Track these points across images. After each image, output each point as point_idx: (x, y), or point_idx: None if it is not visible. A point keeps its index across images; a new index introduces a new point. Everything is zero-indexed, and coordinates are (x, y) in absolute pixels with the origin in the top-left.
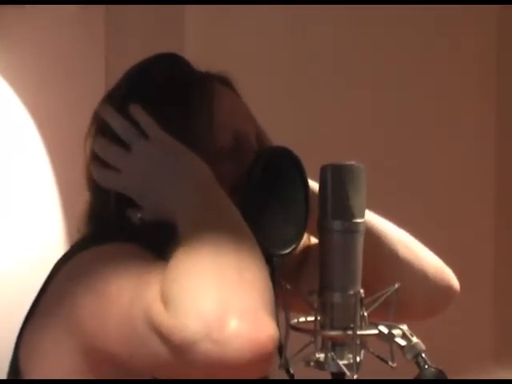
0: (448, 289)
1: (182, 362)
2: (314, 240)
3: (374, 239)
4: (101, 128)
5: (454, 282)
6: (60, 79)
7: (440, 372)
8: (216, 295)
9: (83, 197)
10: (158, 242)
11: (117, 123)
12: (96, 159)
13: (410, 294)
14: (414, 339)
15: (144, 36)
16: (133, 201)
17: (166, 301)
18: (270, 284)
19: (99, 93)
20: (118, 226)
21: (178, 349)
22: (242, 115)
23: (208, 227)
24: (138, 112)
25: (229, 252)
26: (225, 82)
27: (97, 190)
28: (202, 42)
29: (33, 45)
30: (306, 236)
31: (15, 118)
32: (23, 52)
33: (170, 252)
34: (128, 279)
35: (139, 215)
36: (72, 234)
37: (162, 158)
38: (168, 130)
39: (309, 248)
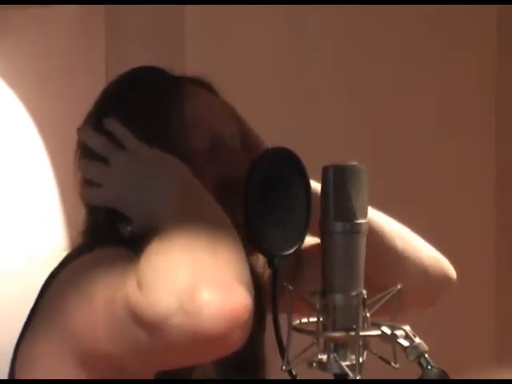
0: (445, 277)
1: (159, 342)
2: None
3: (372, 231)
4: (82, 149)
5: (451, 270)
6: (60, 80)
7: (443, 373)
8: (188, 271)
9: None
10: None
11: (93, 141)
12: (83, 180)
13: (409, 283)
14: (417, 340)
15: (144, 36)
16: (122, 214)
17: (140, 283)
18: (245, 264)
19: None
20: (109, 237)
21: (154, 326)
22: (219, 115)
23: (185, 218)
24: (112, 124)
25: (201, 237)
26: (200, 83)
27: (88, 208)
28: (202, 41)
29: (33, 45)
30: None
31: (15, 119)
32: (23, 53)
33: None
34: (112, 279)
35: (129, 228)
36: (72, 235)
37: (141, 167)
38: (143, 137)
39: (304, 250)
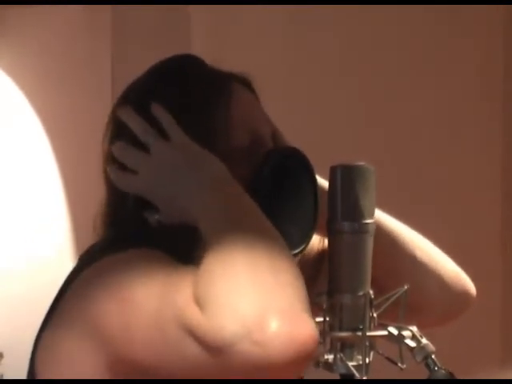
0: (465, 293)
1: (219, 364)
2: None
3: (387, 239)
4: (118, 129)
5: (471, 286)
6: (66, 78)
7: (450, 374)
8: (253, 296)
9: (89, 196)
10: (178, 247)
11: (135, 124)
12: (113, 160)
13: (426, 297)
14: (424, 341)
15: (150, 35)
16: (150, 203)
17: (201, 304)
18: (303, 282)
19: (105, 92)
20: (136, 230)
21: (217, 350)
22: (259, 116)
23: (235, 228)
24: (159, 111)
25: (260, 252)
26: (245, 82)
27: (114, 191)
28: (208, 41)
29: (39, 45)
30: (319, 239)
31: (21, 118)
32: (30, 52)
33: (192, 256)
34: (153, 285)
35: (157, 217)
36: (78, 233)
37: (182, 162)
38: (187, 130)
39: (324, 251)
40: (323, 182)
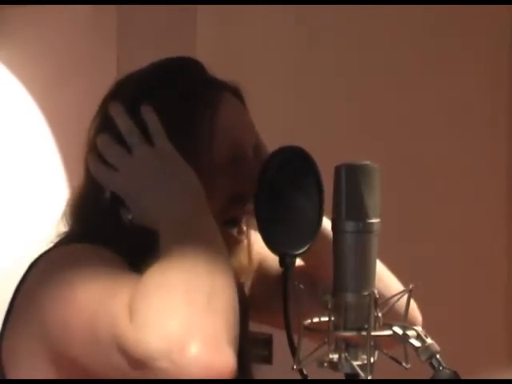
0: (411, 321)
1: (140, 375)
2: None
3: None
4: (105, 122)
5: (418, 316)
6: (72, 78)
7: (455, 373)
8: (182, 318)
9: None
10: (136, 251)
11: (122, 122)
12: (95, 151)
13: None
14: (429, 340)
15: (155, 36)
16: (124, 201)
17: (132, 314)
18: (236, 310)
19: None
20: (104, 225)
21: (137, 363)
22: (244, 127)
23: (187, 246)
24: (149, 114)
25: (202, 275)
26: (234, 91)
27: (92, 181)
28: (214, 41)
29: (45, 44)
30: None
31: (27, 116)
32: (36, 51)
33: (145, 262)
34: (95, 285)
35: (130, 217)
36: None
37: (159, 170)
38: (171, 135)
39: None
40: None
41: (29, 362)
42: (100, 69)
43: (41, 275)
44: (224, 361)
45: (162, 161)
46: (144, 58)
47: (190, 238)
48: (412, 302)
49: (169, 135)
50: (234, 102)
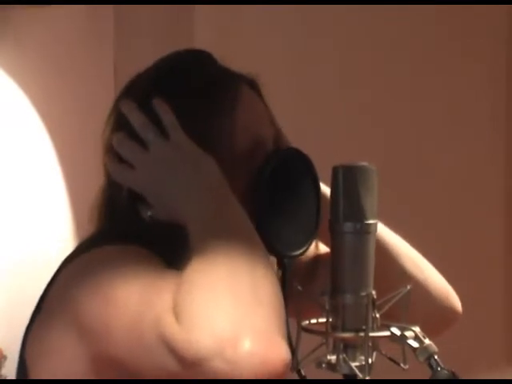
0: (450, 310)
1: (190, 376)
2: (322, 248)
3: (378, 247)
4: (119, 121)
5: (458, 304)
6: (69, 79)
7: (453, 374)
8: (230, 313)
9: (92, 193)
10: (167, 247)
11: (136, 119)
12: (111, 151)
13: (410, 309)
14: (427, 341)
15: (152, 36)
16: (145, 198)
17: (178, 313)
18: (282, 300)
19: (108, 92)
20: (129, 225)
21: (188, 363)
22: (263, 119)
23: (221, 239)
24: (162, 108)
25: (243, 266)
26: (252, 84)
27: (112, 183)
28: (211, 42)
29: (42, 45)
30: (315, 243)
31: (24, 118)
32: (32, 52)
33: (180, 260)
34: (136, 284)
35: (149, 213)
36: (82, 233)
37: (179, 163)
38: (189, 130)
39: (321, 254)
40: (325, 188)
41: (62, 361)
42: (97, 69)
43: (75, 277)
44: (279, 353)
45: (179, 152)
46: (142, 58)
47: (222, 230)
48: (452, 290)
49: (187, 128)
50: (252, 95)
